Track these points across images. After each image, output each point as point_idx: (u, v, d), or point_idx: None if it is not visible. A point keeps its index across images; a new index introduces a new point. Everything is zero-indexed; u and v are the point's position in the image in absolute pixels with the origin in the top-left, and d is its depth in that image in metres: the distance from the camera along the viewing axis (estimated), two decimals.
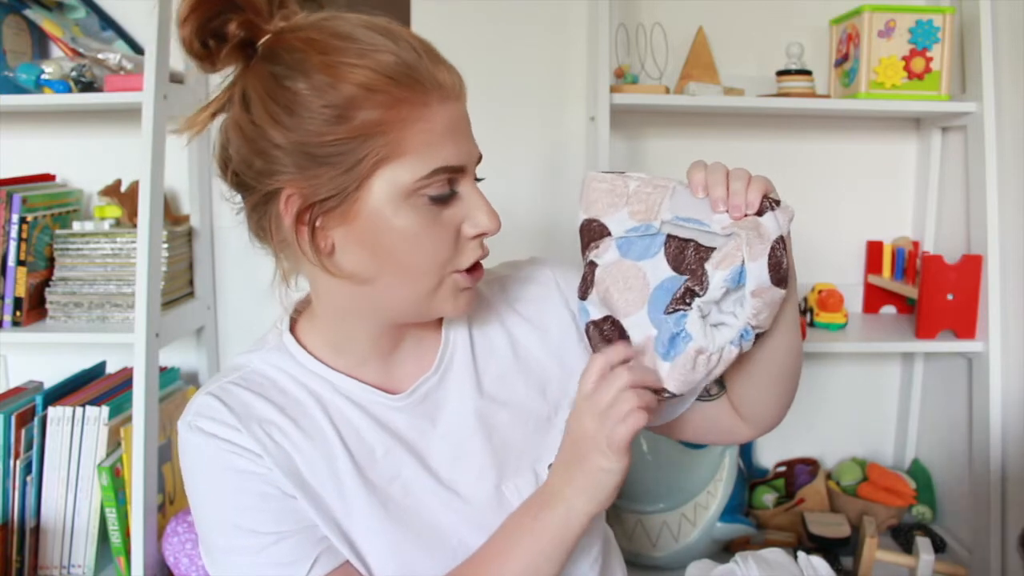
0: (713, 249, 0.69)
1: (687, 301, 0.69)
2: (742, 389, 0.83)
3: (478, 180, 0.73)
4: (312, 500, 0.72)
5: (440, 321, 0.81)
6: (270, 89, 0.67)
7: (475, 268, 0.74)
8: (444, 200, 0.69)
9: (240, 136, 0.70)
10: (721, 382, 0.85)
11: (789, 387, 0.84)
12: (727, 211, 0.68)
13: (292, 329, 0.80)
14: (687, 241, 0.71)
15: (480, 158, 0.73)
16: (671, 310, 0.70)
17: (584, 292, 0.76)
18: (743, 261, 0.66)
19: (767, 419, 0.87)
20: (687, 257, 0.71)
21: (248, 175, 0.71)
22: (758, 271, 0.66)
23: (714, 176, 0.69)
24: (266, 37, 0.70)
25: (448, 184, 0.69)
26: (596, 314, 0.75)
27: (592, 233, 0.76)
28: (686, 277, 0.70)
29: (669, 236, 0.72)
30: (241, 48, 0.70)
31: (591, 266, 0.76)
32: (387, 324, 0.76)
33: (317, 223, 0.69)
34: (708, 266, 0.68)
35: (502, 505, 0.76)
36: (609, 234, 0.75)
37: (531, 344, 0.83)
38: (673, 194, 0.72)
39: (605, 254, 0.75)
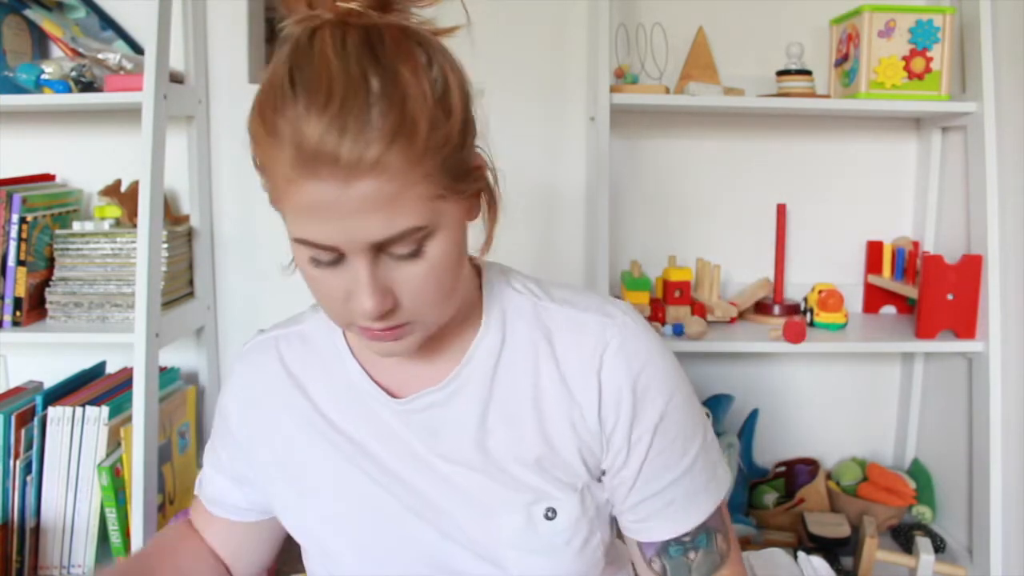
0: None
1: None
2: None
3: (402, 255, 0.65)
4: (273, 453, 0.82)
5: (472, 333, 0.78)
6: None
7: (381, 328, 0.68)
8: (327, 264, 0.65)
9: None
10: None
11: None
12: None
13: None
14: None
15: (396, 237, 0.63)
16: None
17: None
18: None
19: None
20: None
21: None
22: None
23: None
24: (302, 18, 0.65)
25: (327, 253, 0.64)
26: None
27: None
28: None
29: None
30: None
31: None
32: None
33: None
34: None
35: (486, 534, 0.75)
36: None
37: (552, 396, 0.76)
38: None
39: None
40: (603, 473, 0.79)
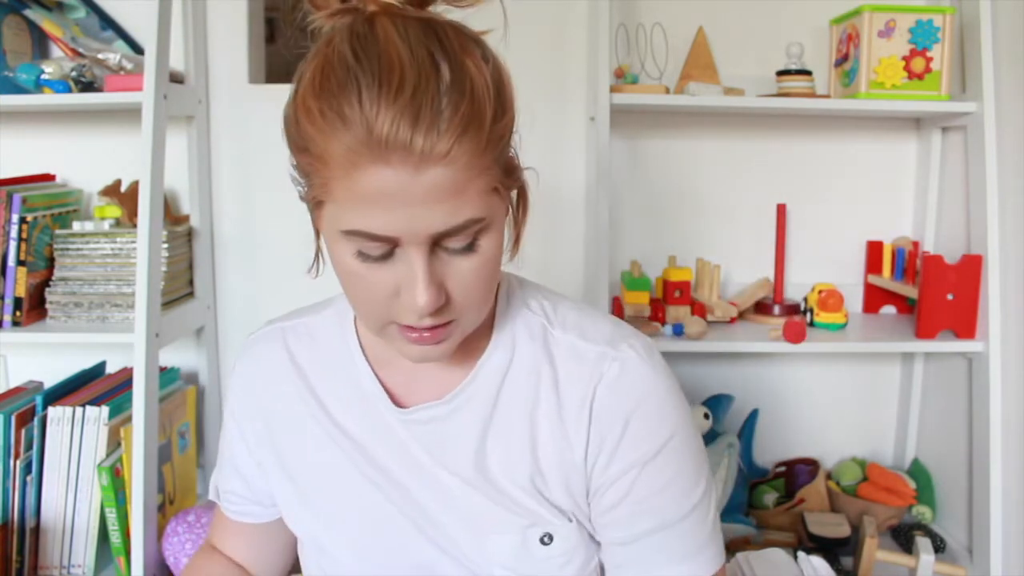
0: None
1: None
2: None
3: (457, 249, 0.64)
4: (276, 447, 0.82)
5: (481, 347, 0.76)
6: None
7: (427, 327, 0.66)
8: (376, 259, 0.64)
9: None
10: None
11: None
12: None
13: None
14: None
15: (458, 229, 0.62)
16: None
17: None
18: None
19: None
20: None
21: None
22: None
23: None
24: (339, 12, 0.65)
25: (379, 245, 0.62)
26: None
27: None
28: None
29: None
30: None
31: None
32: None
33: (313, 213, 0.68)
34: None
35: (478, 552, 0.74)
36: None
37: (548, 425, 0.74)
38: None
39: None
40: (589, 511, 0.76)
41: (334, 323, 0.82)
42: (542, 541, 0.73)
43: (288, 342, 0.83)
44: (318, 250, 0.73)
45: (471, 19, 0.68)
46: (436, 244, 0.63)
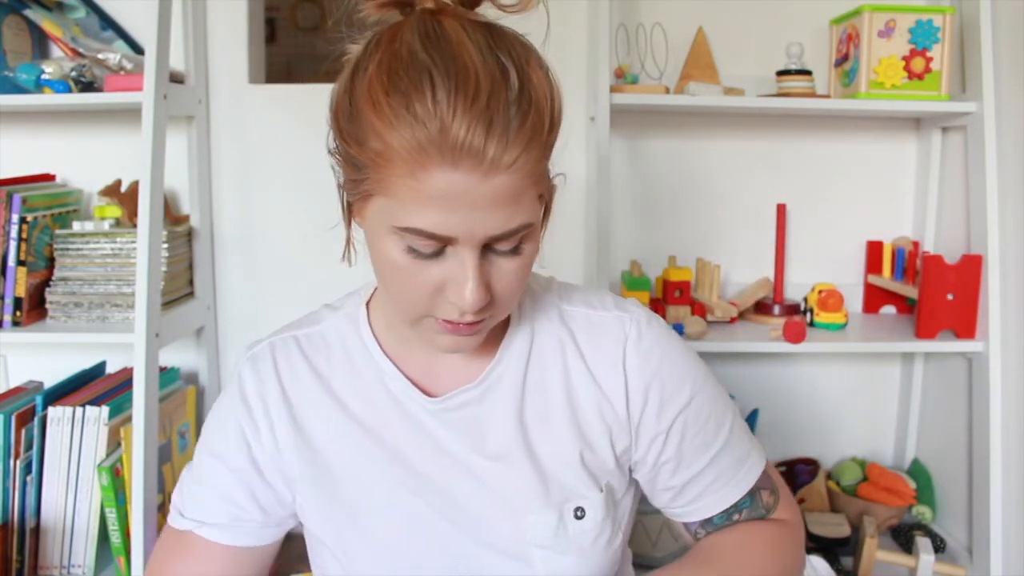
0: None
1: None
2: None
3: (504, 251, 0.66)
4: (310, 464, 0.78)
5: (500, 334, 0.79)
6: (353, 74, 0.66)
7: (461, 322, 0.68)
8: (426, 256, 0.65)
9: None
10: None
11: None
12: None
13: (370, 300, 0.83)
14: None
15: (510, 233, 0.65)
16: None
17: None
18: None
19: None
20: None
21: None
22: None
23: None
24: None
25: (433, 243, 0.64)
26: None
27: None
28: None
29: None
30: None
31: None
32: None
33: (351, 206, 0.70)
34: None
35: (516, 536, 0.76)
36: None
37: (582, 389, 0.79)
38: None
39: None
40: (633, 466, 0.81)
41: (348, 327, 0.81)
42: (576, 515, 0.76)
43: (305, 350, 0.81)
44: (349, 239, 0.74)
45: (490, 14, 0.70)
46: (486, 246, 0.66)
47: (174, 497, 0.83)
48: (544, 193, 0.68)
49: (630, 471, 0.82)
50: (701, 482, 0.80)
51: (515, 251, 0.67)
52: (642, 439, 0.79)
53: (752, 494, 0.82)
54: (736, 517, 0.82)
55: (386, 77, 0.61)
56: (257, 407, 0.79)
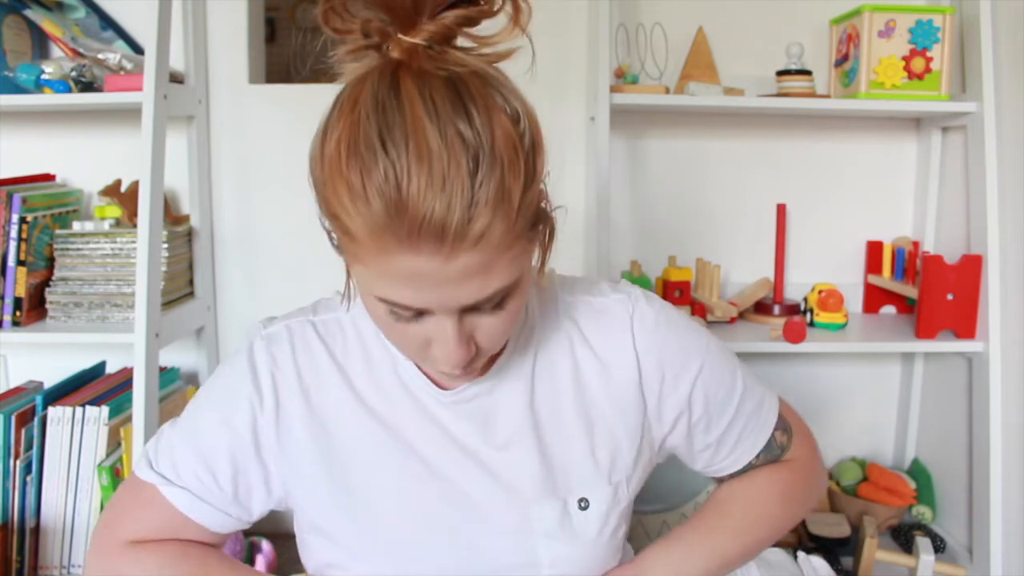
0: None
1: None
2: None
3: (486, 310, 0.66)
4: (318, 450, 0.78)
5: None
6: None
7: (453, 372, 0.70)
8: (407, 319, 0.66)
9: None
10: None
11: None
12: None
13: None
14: None
15: (486, 300, 0.64)
16: None
17: None
18: None
19: None
20: None
21: None
22: None
23: None
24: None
25: (411, 311, 0.64)
26: None
27: None
28: None
29: None
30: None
31: None
32: None
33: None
34: None
35: (522, 525, 0.77)
36: None
37: (592, 378, 0.80)
38: None
39: None
40: (663, 440, 0.84)
41: (362, 317, 0.81)
42: (580, 506, 0.78)
43: (323, 336, 0.80)
44: (348, 283, 0.73)
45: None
46: (464, 310, 0.65)
47: (148, 446, 0.82)
48: (527, 240, 0.65)
49: (659, 447, 0.85)
50: (735, 430, 0.84)
51: (499, 306, 0.66)
52: (666, 411, 0.81)
53: (768, 439, 0.86)
54: (754, 462, 0.86)
55: (344, 151, 0.59)
56: (267, 386, 0.78)
